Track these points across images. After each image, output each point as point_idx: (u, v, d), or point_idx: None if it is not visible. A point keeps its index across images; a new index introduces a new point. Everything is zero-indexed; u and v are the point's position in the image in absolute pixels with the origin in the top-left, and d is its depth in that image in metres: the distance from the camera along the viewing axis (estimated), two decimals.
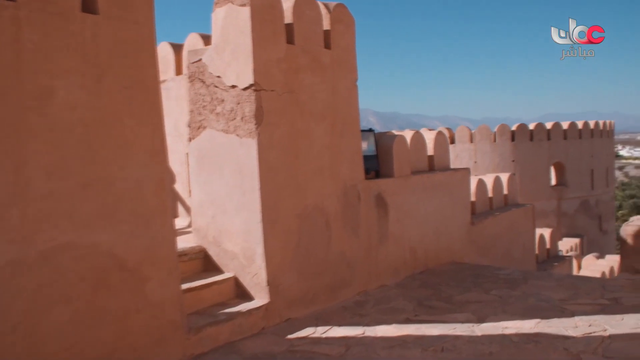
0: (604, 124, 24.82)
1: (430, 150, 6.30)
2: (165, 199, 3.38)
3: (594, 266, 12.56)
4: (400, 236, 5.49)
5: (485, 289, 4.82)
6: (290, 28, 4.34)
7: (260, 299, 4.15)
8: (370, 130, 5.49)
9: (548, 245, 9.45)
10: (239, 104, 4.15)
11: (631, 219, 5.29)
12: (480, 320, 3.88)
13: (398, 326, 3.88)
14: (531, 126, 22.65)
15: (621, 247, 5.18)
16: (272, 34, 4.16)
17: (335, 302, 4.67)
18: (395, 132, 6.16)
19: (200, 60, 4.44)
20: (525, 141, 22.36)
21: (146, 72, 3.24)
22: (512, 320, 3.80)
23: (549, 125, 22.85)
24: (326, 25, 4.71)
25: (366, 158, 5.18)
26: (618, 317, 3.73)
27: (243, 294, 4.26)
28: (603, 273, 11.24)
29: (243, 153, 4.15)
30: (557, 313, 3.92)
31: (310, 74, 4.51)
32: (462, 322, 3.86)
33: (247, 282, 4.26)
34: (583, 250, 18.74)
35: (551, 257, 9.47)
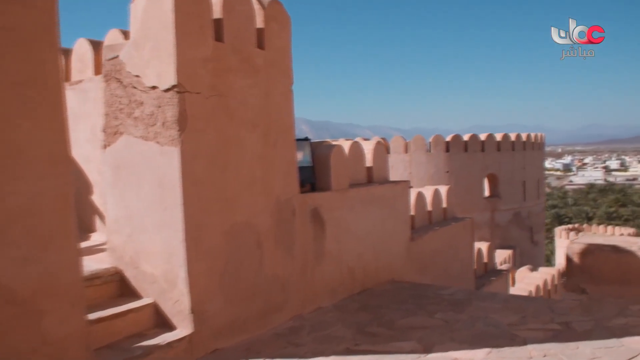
0: (535, 136, 25.92)
1: (368, 162, 6.15)
2: (69, 216, 2.98)
3: (528, 279, 12.90)
4: (338, 254, 5.28)
5: (429, 311, 4.67)
6: (219, 24, 4.04)
7: (183, 328, 3.80)
8: (306, 139, 5.25)
9: (485, 259, 9.56)
10: (159, 107, 3.79)
11: (578, 236, 5.32)
12: (427, 349, 3.69)
13: (337, 358, 3.63)
14: (465, 137, 23.27)
15: (567, 265, 5.19)
16: (198, 30, 3.84)
17: (268, 328, 4.39)
18: (331, 142, 5.96)
19: (117, 57, 4.05)
20: (460, 152, 22.94)
21: (45, 66, 2.84)
22: (461, 349, 3.64)
23: (482, 136, 23.56)
24: (260, 23, 4.44)
25: (301, 169, 4.94)
26: (572, 345, 3.66)
27: (163, 323, 3.89)
28: (537, 286, 11.55)
29: (164, 163, 3.79)
30: (508, 341, 3.80)
31: (241, 76, 4.22)
32: (408, 352, 3.66)
33: (168, 309, 3.89)
34: (515, 262, 19.32)
35: (488, 272, 9.59)
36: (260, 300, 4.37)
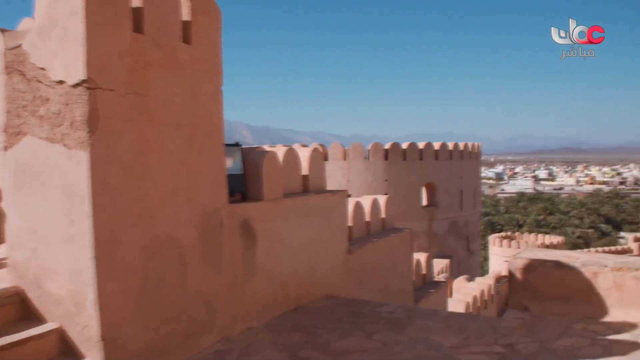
0: (472, 146, 26.53)
1: (304, 170, 5.88)
2: None
3: (465, 289, 13.03)
4: (270, 269, 4.97)
5: (366, 332, 4.43)
6: (139, 13, 3.67)
7: (93, 357, 3.39)
8: (237, 144, 4.93)
9: (424, 271, 9.49)
10: (67, 105, 3.39)
11: (520, 251, 5.23)
12: None
13: None
14: (404, 145, 23.50)
15: (509, 281, 5.09)
16: (113, 18, 3.46)
17: (192, 352, 4.03)
18: (267, 148, 5.65)
19: (20, 46, 3.61)
20: (399, 160, 23.13)
21: None
22: None
23: (421, 145, 23.87)
24: (186, 15, 4.10)
25: (231, 177, 4.61)
26: None
27: (70, 351, 3.47)
28: (475, 297, 11.65)
29: (72, 169, 3.39)
30: None
31: (163, 73, 3.86)
32: None
33: (75, 335, 3.47)
34: (452, 272, 19.59)
35: (427, 283, 9.52)
36: (184, 321, 4.00)
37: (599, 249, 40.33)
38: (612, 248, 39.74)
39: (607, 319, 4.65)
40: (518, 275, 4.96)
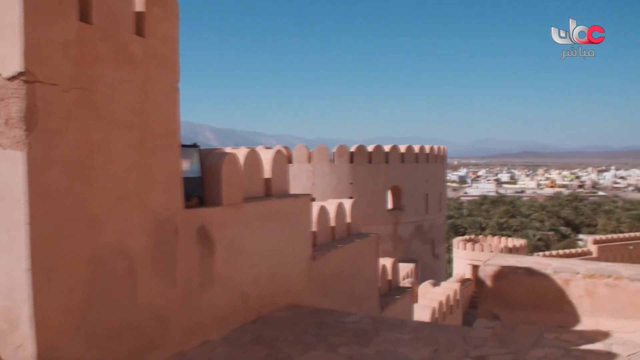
0: (438, 149, 26.62)
1: (267, 173, 5.62)
2: None
3: (431, 295, 12.96)
4: (230, 278, 4.71)
5: (331, 345, 4.21)
6: (86, 1, 3.36)
7: None
8: (194, 145, 4.64)
9: (389, 277, 9.33)
10: (2, 100, 3.07)
11: (491, 257, 5.08)
12: None
13: None
14: (370, 148, 23.39)
15: (479, 289, 4.93)
16: (57, 5, 3.16)
17: None
18: (228, 150, 5.37)
19: None
20: (364, 163, 23.02)
21: None
22: None
23: (387, 148, 23.81)
24: (140, 6, 3.81)
25: (188, 180, 4.33)
26: None
27: None
28: (440, 302, 11.58)
29: (7, 170, 3.07)
30: None
31: (113, 67, 3.56)
32: None
33: (8, 356, 3.15)
34: (418, 276, 19.57)
35: (393, 289, 9.36)
36: (134, 337, 3.71)
37: (560, 251, 41.14)
38: (573, 250, 40.55)
39: (579, 327, 4.54)
40: (488, 282, 4.81)
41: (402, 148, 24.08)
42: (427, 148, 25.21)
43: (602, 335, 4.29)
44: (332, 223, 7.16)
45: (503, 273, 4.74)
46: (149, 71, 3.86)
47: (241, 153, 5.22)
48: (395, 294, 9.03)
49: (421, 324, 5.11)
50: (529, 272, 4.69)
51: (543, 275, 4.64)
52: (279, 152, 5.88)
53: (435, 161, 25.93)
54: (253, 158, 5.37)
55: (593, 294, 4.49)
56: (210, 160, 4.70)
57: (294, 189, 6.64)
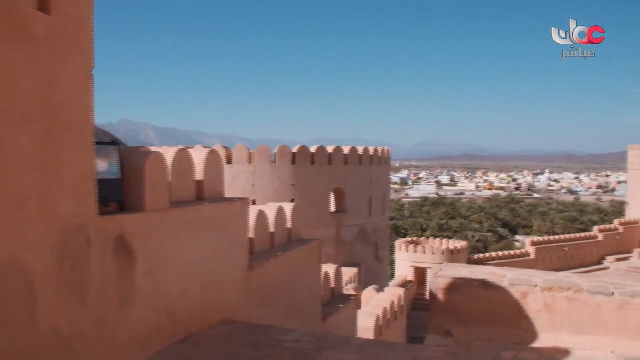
0: (382, 150, 26.53)
1: (199, 174, 5.12)
2: None
3: (375, 301, 12.68)
4: (153, 294, 4.19)
5: None
6: None
7: None
8: (113, 142, 4.10)
9: (332, 284, 8.95)
10: None
11: (442, 267, 4.75)
12: None
13: None
14: (312, 149, 23.01)
15: (430, 303, 4.59)
16: None
17: None
18: (154, 149, 4.84)
19: None
20: (306, 164, 22.62)
21: None
22: None
23: (330, 149, 23.50)
24: None
25: (104, 183, 3.79)
26: None
27: None
28: (385, 309, 11.32)
29: None
30: None
31: (8, 47, 3.00)
32: None
33: None
34: (361, 280, 19.33)
35: (335, 297, 8.99)
36: None
37: (499, 252, 42.08)
38: (512, 252, 41.56)
39: (537, 344, 4.27)
40: (440, 295, 4.48)
41: (346, 149, 23.84)
42: (370, 149, 25.06)
43: (561, 352, 4.03)
44: (272, 228, 6.72)
45: (456, 285, 4.43)
46: (55, 54, 3.31)
47: (169, 152, 4.71)
48: (338, 302, 8.66)
49: (368, 342, 4.74)
50: (484, 284, 4.39)
51: (499, 288, 4.36)
52: (212, 151, 5.38)
53: (379, 163, 25.83)
54: (183, 158, 4.86)
55: (552, 308, 4.23)
56: (132, 160, 4.17)
57: (233, 191, 6.15)
